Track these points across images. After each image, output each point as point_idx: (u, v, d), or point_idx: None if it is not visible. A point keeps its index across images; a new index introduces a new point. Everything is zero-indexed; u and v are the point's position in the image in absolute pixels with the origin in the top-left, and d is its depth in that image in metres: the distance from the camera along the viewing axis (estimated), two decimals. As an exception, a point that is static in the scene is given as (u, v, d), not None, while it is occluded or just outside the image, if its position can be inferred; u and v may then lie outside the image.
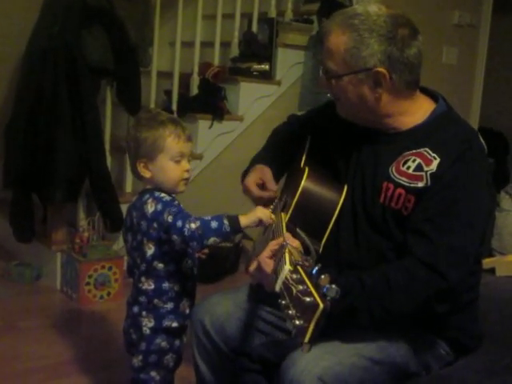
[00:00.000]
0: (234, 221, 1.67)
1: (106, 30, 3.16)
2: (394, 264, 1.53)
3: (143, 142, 1.78)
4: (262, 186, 1.85)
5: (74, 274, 3.19)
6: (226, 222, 1.67)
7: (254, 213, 1.68)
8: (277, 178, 1.92)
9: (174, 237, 1.70)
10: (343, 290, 1.20)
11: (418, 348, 1.61)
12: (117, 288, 3.24)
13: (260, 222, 1.68)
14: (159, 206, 1.75)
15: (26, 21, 3.31)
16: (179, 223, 1.68)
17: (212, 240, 1.68)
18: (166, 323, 1.83)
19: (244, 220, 1.68)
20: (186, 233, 1.67)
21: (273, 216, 1.69)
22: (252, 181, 1.85)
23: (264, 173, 1.87)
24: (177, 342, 1.88)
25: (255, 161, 1.96)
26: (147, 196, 1.79)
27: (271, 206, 1.85)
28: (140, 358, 1.86)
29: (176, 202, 1.79)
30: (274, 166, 1.92)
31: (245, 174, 1.94)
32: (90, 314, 3.08)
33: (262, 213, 1.68)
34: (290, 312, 1.10)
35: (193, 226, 1.67)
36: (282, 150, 1.98)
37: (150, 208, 1.76)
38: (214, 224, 1.67)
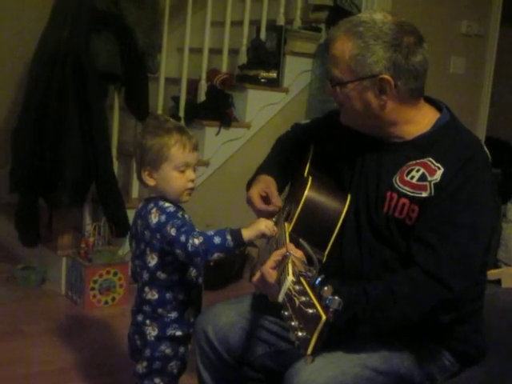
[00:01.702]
0: (237, 235, 1.65)
1: (115, 36, 3.17)
2: (399, 275, 1.52)
3: (148, 150, 1.77)
4: (266, 199, 1.83)
5: (78, 279, 3.19)
6: (228, 237, 1.65)
7: (256, 225, 1.66)
8: (281, 188, 1.92)
9: (177, 251, 1.69)
10: (347, 300, 1.20)
11: (423, 358, 1.60)
12: (121, 293, 3.25)
13: (263, 235, 1.67)
14: (163, 218, 1.74)
15: (35, 25, 3.33)
16: (182, 238, 1.67)
17: (216, 255, 1.66)
18: (170, 332, 1.83)
19: (247, 233, 1.66)
20: (189, 248, 1.66)
21: (275, 228, 1.68)
22: (256, 192, 1.84)
23: (269, 185, 1.85)
24: (181, 349, 1.87)
25: (260, 170, 1.95)
26: (152, 205, 1.78)
27: (274, 218, 1.84)
28: (144, 364, 1.85)
29: (180, 213, 1.78)
30: (279, 177, 1.91)
31: (250, 183, 1.93)
32: (94, 319, 3.08)
33: (265, 225, 1.66)
34: (293, 323, 1.10)
35: (196, 241, 1.66)
36: (287, 158, 1.98)
37: (154, 218, 1.75)
38: (217, 239, 1.65)
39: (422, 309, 1.48)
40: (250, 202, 1.85)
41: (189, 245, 1.66)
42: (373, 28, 1.56)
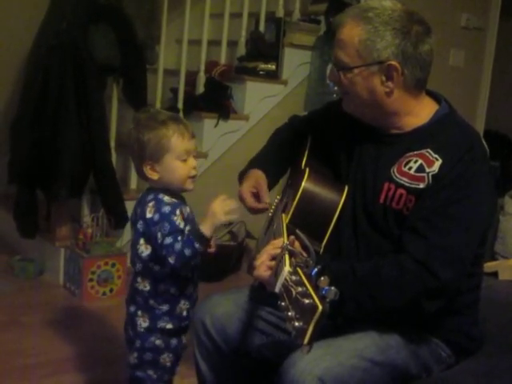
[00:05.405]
0: (201, 237, 1.68)
1: (114, 27, 3.16)
2: (388, 258, 1.53)
3: (147, 144, 1.75)
4: (257, 195, 1.83)
5: (76, 270, 3.20)
6: (196, 244, 1.68)
7: (210, 219, 1.69)
8: (274, 181, 1.93)
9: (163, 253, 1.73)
10: (335, 276, 1.19)
11: (419, 350, 1.61)
12: (119, 285, 3.25)
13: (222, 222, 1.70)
14: (156, 217, 1.73)
15: (33, 16, 3.32)
16: (164, 252, 1.71)
17: (193, 263, 1.72)
18: (161, 324, 1.82)
19: (206, 229, 1.68)
20: (169, 264, 1.71)
21: (233, 202, 1.71)
22: (247, 190, 1.83)
23: (259, 182, 1.84)
24: (173, 341, 1.85)
25: (253, 163, 1.94)
26: (151, 197, 1.77)
27: (271, 210, 1.84)
28: (135, 355, 1.85)
29: (177, 212, 1.76)
30: (271, 169, 1.91)
31: (242, 174, 1.93)
32: (92, 311, 3.09)
33: (221, 214, 1.69)
34: (290, 313, 1.10)
35: (171, 261, 1.70)
36: (282, 150, 1.97)
37: (149, 213, 1.74)
38: (187, 252, 1.68)
39: (406, 294, 1.48)
40: (241, 198, 1.85)
41: (167, 262, 1.71)
42: (382, 14, 1.55)
